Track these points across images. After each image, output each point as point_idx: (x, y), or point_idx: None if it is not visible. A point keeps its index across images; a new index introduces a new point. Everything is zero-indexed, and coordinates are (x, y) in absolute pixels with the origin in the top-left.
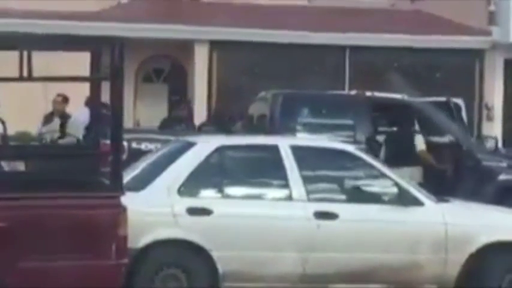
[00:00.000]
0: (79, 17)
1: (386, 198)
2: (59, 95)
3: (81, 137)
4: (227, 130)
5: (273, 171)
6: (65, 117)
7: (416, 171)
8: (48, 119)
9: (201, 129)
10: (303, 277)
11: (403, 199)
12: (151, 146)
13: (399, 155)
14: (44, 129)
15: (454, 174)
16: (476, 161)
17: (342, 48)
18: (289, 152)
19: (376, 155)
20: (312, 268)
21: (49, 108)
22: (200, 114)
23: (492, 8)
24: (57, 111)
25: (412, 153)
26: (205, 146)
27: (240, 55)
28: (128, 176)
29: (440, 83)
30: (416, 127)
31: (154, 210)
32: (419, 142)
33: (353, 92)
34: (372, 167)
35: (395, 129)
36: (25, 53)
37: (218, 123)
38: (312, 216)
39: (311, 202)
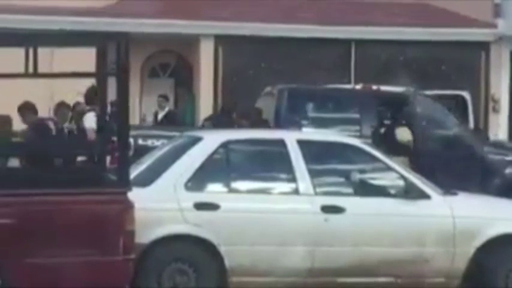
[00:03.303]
0: (84, 13)
1: (393, 191)
2: None
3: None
4: (223, 123)
5: (279, 165)
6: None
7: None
8: None
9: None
10: (310, 271)
11: (410, 192)
12: (157, 143)
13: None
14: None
15: (460, 168)
16: (481, 154)
17: (347, 42)
18: (296, 146)
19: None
20: (319, 262)
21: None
22: (206, 109)
23: (497, 0)
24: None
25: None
26: (211, 141)
27: (246, 49)
28: (134, 172)
29: (446, 76)
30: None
31: (161, 205)
32: (403, 133)
33: (359, 86)
34: (378, 160)
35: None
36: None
37: (214, 118)
38: (319, 210)
39: (318, 196)
